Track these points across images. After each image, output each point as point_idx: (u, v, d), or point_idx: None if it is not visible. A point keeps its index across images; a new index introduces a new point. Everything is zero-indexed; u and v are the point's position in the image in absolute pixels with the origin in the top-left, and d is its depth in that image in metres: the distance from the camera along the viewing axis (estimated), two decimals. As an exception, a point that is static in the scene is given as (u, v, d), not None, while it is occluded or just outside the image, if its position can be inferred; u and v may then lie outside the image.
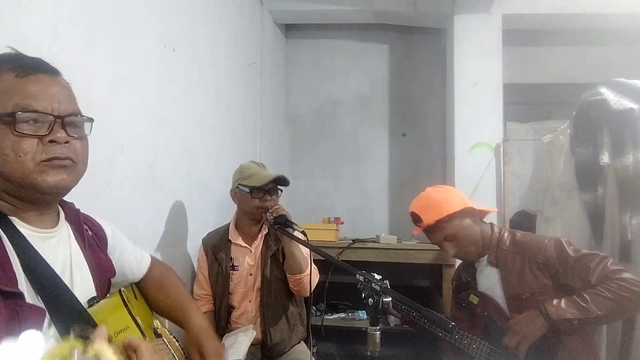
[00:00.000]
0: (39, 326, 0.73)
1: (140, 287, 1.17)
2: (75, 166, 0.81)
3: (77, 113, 0.83)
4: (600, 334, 1.92)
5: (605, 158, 2.02)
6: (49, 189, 0.77)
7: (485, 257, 1.69)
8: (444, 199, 1.69)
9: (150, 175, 1.63)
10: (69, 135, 0.79)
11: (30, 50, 1.05)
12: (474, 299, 1.71)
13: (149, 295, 1.17)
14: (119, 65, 1.42)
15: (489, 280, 1.70)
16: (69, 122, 0.80)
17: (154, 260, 1.21)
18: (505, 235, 1.69)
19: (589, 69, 3.31)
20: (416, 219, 1.69)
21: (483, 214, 1.75)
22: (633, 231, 1.94)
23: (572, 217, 2.26)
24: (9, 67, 0.78)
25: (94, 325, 0.81)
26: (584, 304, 1.44)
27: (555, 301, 1.48)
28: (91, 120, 0.86)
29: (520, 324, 1.51)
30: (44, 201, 0.81)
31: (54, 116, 0.77)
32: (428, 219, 1.65)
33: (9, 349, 0.47)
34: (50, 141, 0.76)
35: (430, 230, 1.68)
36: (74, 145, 0.81)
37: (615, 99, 2.00)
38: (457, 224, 1.65)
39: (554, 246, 1.59)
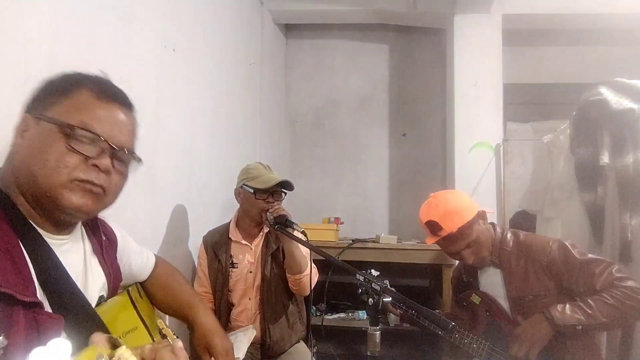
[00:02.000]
0: (57, 335, 0.72)
1: (145, 286, 1.17)
2: (103, 197, 0.80)
3: (131, 150, 0.85)
4: (600, 335, 1.92)
5: (605, 158, 2.02)
6: (69, 208, 0.76)
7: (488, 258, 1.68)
8: (462, 205, 1.64)
9: (150, 175, 1.63)
10: (114, 167, 0.80)
11: (30, 50, 1.06)
12: (476, 299, 1.70)
13: (154, 294, 1.17)
14: (119, 65, 1.42)
15: (491, 281, 1.70)
16: (119, 155, 0.82)
17: (157, 259, 1.22)
18: (508, 235, 1.67)
19: (589, 69, 3.31)
20: (436, 228, 1.61)
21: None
22: (633, 231, 1.94)
23: (572, 217, 2.26)
24: (92, 86, 0.81)
25: (105, 329, 0.81)
26: (589, 310, 1.43)
27: (559, 306, 1.47)
28: (140, 161, 0.87)
29: (526, 331, 1.50)
30: (60, 219, 0.80)
31: (108, 144, 0.79)
32: (450, 226, 1.58)
33: (39, 354, 0.48)
34: (94, 165, 0.77)
35: (452, 239, 1.61)
36: (113, 177, 0.81)
37: (615, 99, 2.00)
38: (476, 229, 1.62)
39: (559, 249, 1.57)
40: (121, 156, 0.82)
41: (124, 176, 0.85)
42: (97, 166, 0.77)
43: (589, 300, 1.45)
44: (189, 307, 1.14)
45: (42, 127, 0.76)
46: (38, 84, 0.82)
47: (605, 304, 1.42)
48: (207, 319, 1.12)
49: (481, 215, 1.66)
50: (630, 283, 1.45)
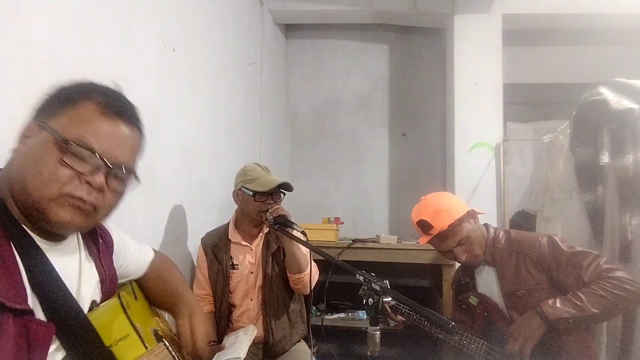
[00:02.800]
0: (47, 343, 0.72)
1: (140, 280, 1.16)
2: (94, 213, 0.78)
3: (129, 169, 0.82)
4: (600, 334, 1.92)
5: (605, 158, 2.02)
6: (56, 223, 0.74)
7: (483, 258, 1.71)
8: (451, 204, 1.70)
9: (150, 175, 1.63)
10: (108, 185, 0.78)
11: (30, 50, 1.06)
12: (474, 300, 1.73)
13: (148, 287, 1.16)
14: (119, 65, 1.42)
15: (487, 280, 1.72)
16: (116, 173, 0.79)
17: (155, 254, 1.21)
18: (501, 234, 1.72)
19: (589, 69, 3.32)
20: (427, 226, 1.67)
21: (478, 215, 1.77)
22: (633, 231, 1.94)
23: (572, 217, 2.25)
24: (98, 99, 0.78)
25: (97, 337, 0.81)
26: (579, 303, 1.45)
27: (550, 301, 1.50)
28: (138, 181, 0.85)
29: (519, 328, 1.52)
30: (49, 231, 0.79)
31: (104, 162, 0.76)
32: (440, 224, 1.64)
33: None
34: (87, 182, 0.75)
35: (442, 237, 1.67)
36: (107, 195, 0.79)
37: (615, 99, 2.00)
38: (466, 226, 1.67)
39: (547, 243, 1.61)
40: (118, 174, 0.80)
41: (119, 194, 0.82)
42: (89, 183, 0.75)
43: (579, 293, 1.47)
44: (175, 292, 1.13)
45: (42, 137, 0.74)
46: (50, 90, 0.79)
47: (595, 296, 1.45)
48: (191, 300, 1.13)
49: (471, 214, 1.71)
50: (618, 273, 1.47)
